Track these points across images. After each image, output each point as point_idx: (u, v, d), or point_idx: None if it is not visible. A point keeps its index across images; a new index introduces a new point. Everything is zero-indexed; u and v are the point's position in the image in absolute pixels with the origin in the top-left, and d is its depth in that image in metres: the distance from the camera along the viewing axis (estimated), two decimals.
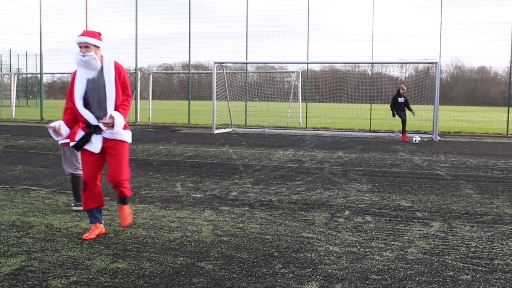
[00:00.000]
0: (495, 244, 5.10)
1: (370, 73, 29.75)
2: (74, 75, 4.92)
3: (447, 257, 4.67)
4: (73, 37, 4.86)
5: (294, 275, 4.14)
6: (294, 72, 27.09)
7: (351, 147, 14.65)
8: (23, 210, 6.31)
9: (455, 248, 4.96)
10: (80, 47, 4.81)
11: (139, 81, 26.43)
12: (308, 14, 23.27)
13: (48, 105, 35.65)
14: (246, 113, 24.87)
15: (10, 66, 43.39)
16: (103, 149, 5.01)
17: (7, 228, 5.46)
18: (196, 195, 7.25)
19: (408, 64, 37.05)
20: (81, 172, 5.94)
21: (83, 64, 4.79)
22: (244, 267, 4.33)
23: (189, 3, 24.27)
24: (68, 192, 7.52)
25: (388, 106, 18.26)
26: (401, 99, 17.43)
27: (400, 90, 17.54)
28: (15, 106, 31.39)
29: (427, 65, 26.29)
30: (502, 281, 4.10)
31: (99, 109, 4.92)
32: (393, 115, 17.70)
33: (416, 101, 25.92)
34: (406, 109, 17.52)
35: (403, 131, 17.73)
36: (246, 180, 8.71)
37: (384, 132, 20.26)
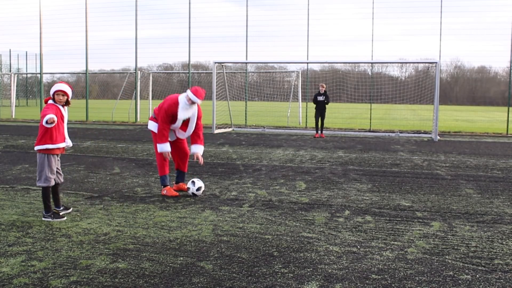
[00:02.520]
0: (495, 244, 5.10)
1: (370, 73, 29.75)
2: (176, 107, 7.15)
3: (447, 257, 4.67)
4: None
5: (294, 275, 4.14)
6: (294, 72, 27.09)
7: (351, 147, 14.65)
8: (23, 210, 6.31)
9: (455, 248, 4.96)
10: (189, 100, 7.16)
11: (139, 81, 26.43)
12: (308, 14, 23.28)
13: None
14: (246, 113, 24.86)
15: (10, 66, 43.39)
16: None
17: (7, 228, 5.47)
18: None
19: (408, 64, 37.05)
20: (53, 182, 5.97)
21: (186, 108, 7.17)
22: (244, 267, 4.34)
23: (189, 4, 24.26)
24: (68, 192, 7.52)
25: (388, 106, 18.37)
26: (320, 97, 18.22)
27: (320, 88, 18.34)
28: (15, 106, 31.39)
29: (427, 65, 26.30)
30: (502, 280, 4.10)
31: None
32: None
33: (416, 101, 25.94)
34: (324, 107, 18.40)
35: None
36: (246, 180, 8.71)
37: (384, 132, 20.26)
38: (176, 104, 7.19)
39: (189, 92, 7.20)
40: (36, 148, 5.84)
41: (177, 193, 7.36)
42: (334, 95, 29.78)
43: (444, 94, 43.18)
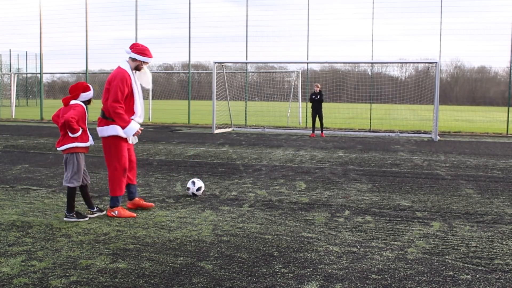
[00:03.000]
0: (495, 244, 5.10)
1: (370, 73, 29.75)
2: (129, 78, 5.90)
3: (447, 257, 4.67)
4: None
5: (294, 275, 4.14)
6: (294, 72, 27.09)
7: (351, 147, 14.65)
8: (23, 210, 6.31)
9: (455, 248, 4.96)
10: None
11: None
12: (308, 14, 23.28)
13: (48, 105, 35.60)
14: (246, 113, 24.86)
15: (10, 66, 43.38)
16: None
17: (7, 228, 5.47)
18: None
19: (408, 64, 37.07)
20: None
21: (143, 73, 6.10)
22: (244, 267, 4.34)
23: (189, 4, 24.27)
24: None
25: (388, 106, 18.44)
26: (315, 97, 18.56)
27: (315, 88, 18.70)
28: (15, 106, 31.39)
29: (427, 65, 26.31)
30: (502, 281, 4.10)
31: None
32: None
33: (416, 101, 25.95)
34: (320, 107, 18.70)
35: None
36: (246, 180, 8.71)
37: (384, 132, 20.26)
38: (127, 75, 5.86)
39: (133, 55, 5.92)
40: (64, 147, 5.78)
41: (135, 214, 6.07)
42: (334, 95, 29.80)
43: (444, 94, 43.22)
